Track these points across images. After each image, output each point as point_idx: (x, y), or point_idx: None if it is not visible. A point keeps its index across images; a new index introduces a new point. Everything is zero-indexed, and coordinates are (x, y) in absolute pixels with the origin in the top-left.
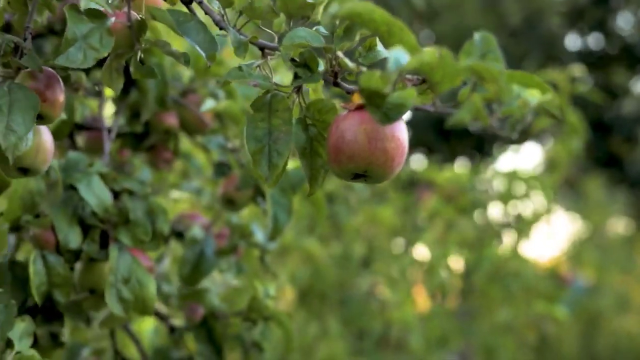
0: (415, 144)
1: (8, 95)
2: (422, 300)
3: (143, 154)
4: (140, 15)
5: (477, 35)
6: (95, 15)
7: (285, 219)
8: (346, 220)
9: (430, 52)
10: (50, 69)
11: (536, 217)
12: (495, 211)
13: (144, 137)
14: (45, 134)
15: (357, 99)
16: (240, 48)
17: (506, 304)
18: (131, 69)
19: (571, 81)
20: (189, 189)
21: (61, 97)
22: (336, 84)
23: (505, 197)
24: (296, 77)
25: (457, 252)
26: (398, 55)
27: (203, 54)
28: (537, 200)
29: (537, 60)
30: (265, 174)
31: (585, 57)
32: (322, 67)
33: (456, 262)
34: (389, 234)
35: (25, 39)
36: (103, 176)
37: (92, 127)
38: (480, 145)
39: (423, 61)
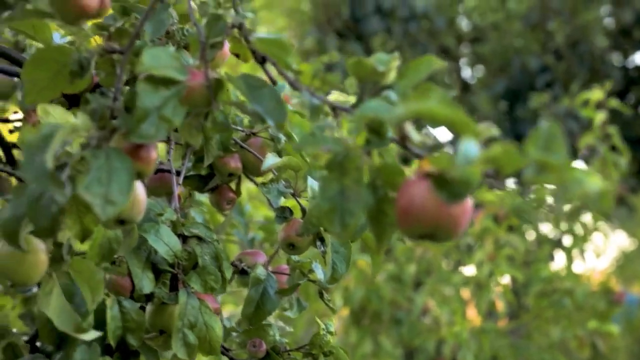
0: None
1: (106, 165)
2: (474, 318)
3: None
4: (217, 75)
5: (543, 125)
6: (169, 82)
7: (344, 268)
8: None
9: (498, 147)
10: None
11: (588, 234)
12: (546, 228)
13: (209, 179)
14: (139, 187)
15: (425, 165)
16: (314, 111)
17: (558, 321)
18: (208, 124)
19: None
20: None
21: (154, 153)
22: (404, 147)
23: (557, 214)
24: (367, 142)
25: (507, 270)
26: (468, 149)
27: (272, 124)
28: (588, 217)
29: (582, 78)
30: (337, 233)
31: (630, 74)
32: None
33: (507, 280)
34: (441, 253)
35: (115, 100)
36: (172, 223)
37: (158, 169)
38: None
39: (490, 155)
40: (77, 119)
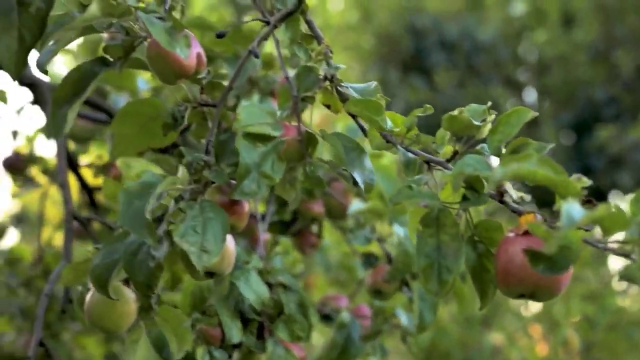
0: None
1: (201, 215)
2: (545, 355)
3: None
4: (309, 129)
5: None
6: (266, 138)
7: (431, 317)
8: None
9: (603, 209)
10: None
11: None
12: (616, 263)
13: (291, 224)
14: (229, 240)
15: (524, 222)
16: (410, 167)
17: (630, 354)
18: (300, 178)
19: None
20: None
21: (246, 207)
22: (502, 202)
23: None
24: (464, 198)
25: (581, 306)
26: (571, 211)
27: (362, 186)
28: None
29: None
30: (435, 290)
31: None
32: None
33: (578, 315)
34: None
35: (208, 153)
36: (259, 271)
37: None
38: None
39: (595, 217)
40: (179, 172)
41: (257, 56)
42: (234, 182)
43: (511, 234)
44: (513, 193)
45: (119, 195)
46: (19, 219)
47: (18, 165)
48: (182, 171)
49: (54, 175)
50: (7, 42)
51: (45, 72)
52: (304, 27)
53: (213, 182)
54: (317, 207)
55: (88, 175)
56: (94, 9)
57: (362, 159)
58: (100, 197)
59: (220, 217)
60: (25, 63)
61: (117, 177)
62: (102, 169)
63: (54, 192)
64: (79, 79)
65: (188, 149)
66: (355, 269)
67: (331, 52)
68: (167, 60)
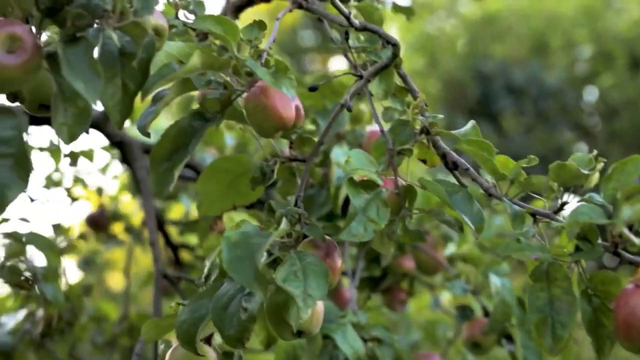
0: None
1: (300, 262)
2: None
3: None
4: (407, 182)
5: None
6: (370, 186)
7: None
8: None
9: None
10: (329, 237)
11: None
12: None
13: (381, 280)
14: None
15: None
16: (517, 219)
17: None
18: (399, 232)
19: None
20: None
21: (339, 263)
22: (616, 254)
23: None
24: (577, 249)
25: None
26: None
27: (472, 227)
28: None
29: None
30: (549, 346)
31: None
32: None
33: None
34: None
35: (297, 206)
36: (354, 325)
37: None
38: None
39: None
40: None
41: (350, 110)
42: (327, 237)
43: (630, 286)
44: (635, 239)
45: (221, 244)
46: (87, 262)
47: (102, 222)
48: (284, 223)
49: (137, 233)
50: (111, 90)
51: (147, 135)
52: (397, 80)
53: (305, 237)
54: (408, 263)
55: (173, 232)
56: (195, 60)
57: (468, 200)
58: (184, 255)
59: (319, 263)
60: (129, 111)
61: (221, 231)
62: (188, 226)
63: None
64: (177, 135)
65: (280, 203)
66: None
67: (426, 105)
68: (267, 112)
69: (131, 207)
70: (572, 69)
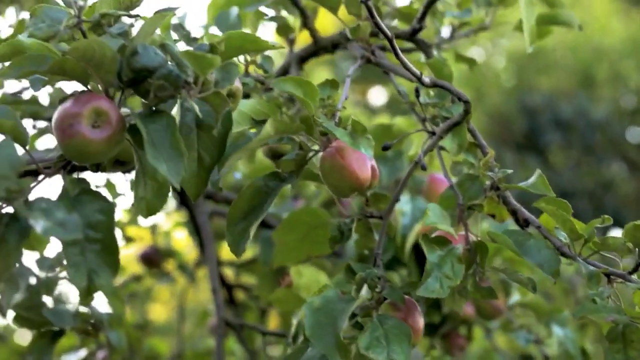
0: None
1: (382, 327)
2: None
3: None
4: (478, 237)
5: None
6: (443, 242)
7: None
8: None
9: None
10: (408, 297)
11: None
12: None
13: (440, 325)
14: None
15: None
16: (592, 280)
17: None
18: (469, 288)
19: None
20: None
21: (421, 322)
22: None
23: None
24: None
25: None
26: None
27: (546, 274)
28: None
29: None
30: None
31: None
32: None
33: None
34: None
35: (376, 265)
36: None
37: None
38: None
39: None
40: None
41: (424, 168)
42: (407, 297)
43: None
44: None
45: (304, 310)
46: (132, 295)
47: (155, 259)
48: (365, 290)
49: (190, 271)
50: (187, 163)
51: (220, 190)
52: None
53: (386, 299)
54: (468, 309)
55: (229, 272)
56: (268, 128)
57: (539, 247)
58: (239, 295)
59: (402, 326)
60: (205, 185)
61: (289, 285)
62: (244, 267)
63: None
64: (253, 195)
65: (358, 264)
66: None
67: (495, 160)
68: (344, 172)
69: (184, 244)
70: (619, 101)
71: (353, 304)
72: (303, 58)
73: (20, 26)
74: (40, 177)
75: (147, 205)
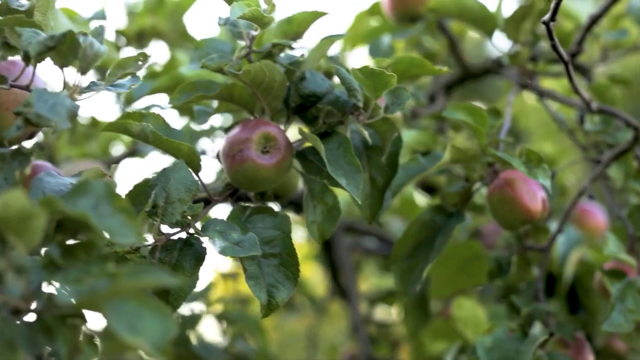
0: None
1: None
2: None
3: None
4: None
5: None
6: (619, 274)
7: None
8: None
9: None
10: (579, 335)
11: None
12: None
13: None
14: None
15: None
16: None
17: None
18: None
19: None
20: None
21: (591, 359)
22: None
23: None
24: None
25: None
26: None
27: None
28: None
29: None
30: None
31: None
32: None
33: None
34: None
35: (537, 299)
36: None
37: None
38: None
39: None
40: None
41: (592, 198)
42: (579, 335)
43: None
44: None
45: (477, 349)
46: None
47: None
48: (538, 327)
49: (320, 304)
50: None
51: (380, 225)
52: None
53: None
54: (620, 344)
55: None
56: (447, 156)
57: None
58: (371, 329)
59: None
60: (379, 207)
61: (447, 316)
62: (379, 299)
63: None
64: (419, 231)
65: (519, 298)
66: None
67: None
68: (515, 204)
69: (313, 275)
70: None
71: (531, 345)
72: (449, 86)
73: (173, 60)
74: (204, 203)
75: (318, 229)
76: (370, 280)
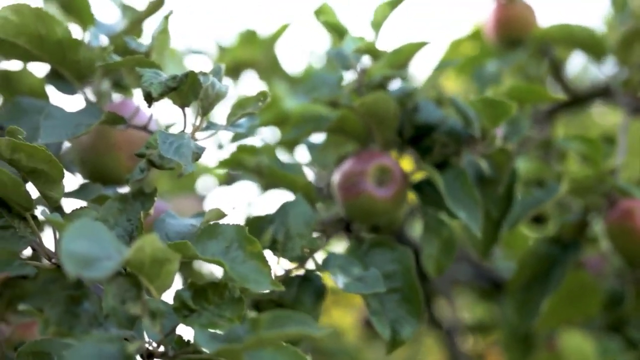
0: None
1: None
2: None
3: None
4: None
5: None
6: None
7: None
8: None
9: None
10: None
11: None
12: None
13: None
14: None
15: None
16: None
17: None
18: None
19: None
20: None
21: None
22: None
23: None
24: None
25: None
26: None
27: None
28: None
29: None
30: None
31: None
32: None
33: None
34: None
35: None
36: None
37: None
38: None
39: None
40: None
41: None
42: None
43: None
44: None
45: None
46: None
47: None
48: None
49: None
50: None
51: (488, 258)
52: None
53: None
54: None
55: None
56: (564, 188)
57: None
58: None
59: None
60: (495, 241)
61: (553, 349)
62: (481, 331)
63: None
64: (535, 263)
65: (638, 331)
66: None
67: None
68: (634, 236)
69: None
70: None
71: None
72: (551, 112)
73: (263, 94)
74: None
75: (436, 262)
76: (461, 310)
